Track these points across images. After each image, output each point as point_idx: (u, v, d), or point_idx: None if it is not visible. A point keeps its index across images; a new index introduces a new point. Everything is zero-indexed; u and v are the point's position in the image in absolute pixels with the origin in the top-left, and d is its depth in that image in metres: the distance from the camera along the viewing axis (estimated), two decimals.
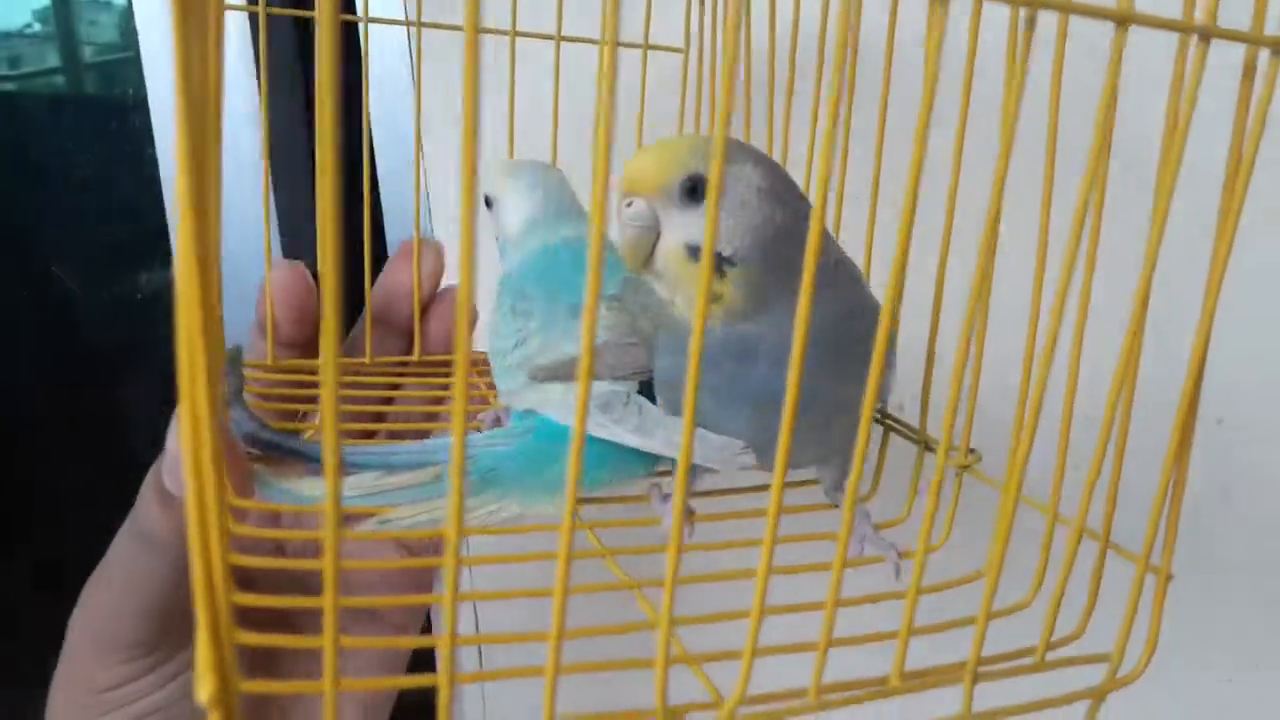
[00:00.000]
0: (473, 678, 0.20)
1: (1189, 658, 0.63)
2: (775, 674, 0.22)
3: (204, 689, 0.16)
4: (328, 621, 0.17)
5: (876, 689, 0.22)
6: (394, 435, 0.40)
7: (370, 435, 0.39)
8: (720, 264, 0.27)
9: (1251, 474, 0.59)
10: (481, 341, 0.40)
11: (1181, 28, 0.20)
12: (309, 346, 0.42)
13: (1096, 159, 0.20)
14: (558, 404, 0.32)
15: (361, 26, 0.41)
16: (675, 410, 0.31)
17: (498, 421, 0.38)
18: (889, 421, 0.37)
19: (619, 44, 0.44)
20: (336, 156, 0.14)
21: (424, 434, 0.39)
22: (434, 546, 0.39)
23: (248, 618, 0.20)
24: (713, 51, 0.47)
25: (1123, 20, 0.19)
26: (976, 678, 0.23)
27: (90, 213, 0.66)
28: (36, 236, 0.66)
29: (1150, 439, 0.25)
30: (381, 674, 0.39)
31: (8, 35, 0.65)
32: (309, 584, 0.36)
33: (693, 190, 0.27)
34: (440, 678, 0.17)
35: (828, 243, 0.30)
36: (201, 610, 0.16)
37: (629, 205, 0.28)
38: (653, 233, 0.28)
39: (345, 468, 0.31)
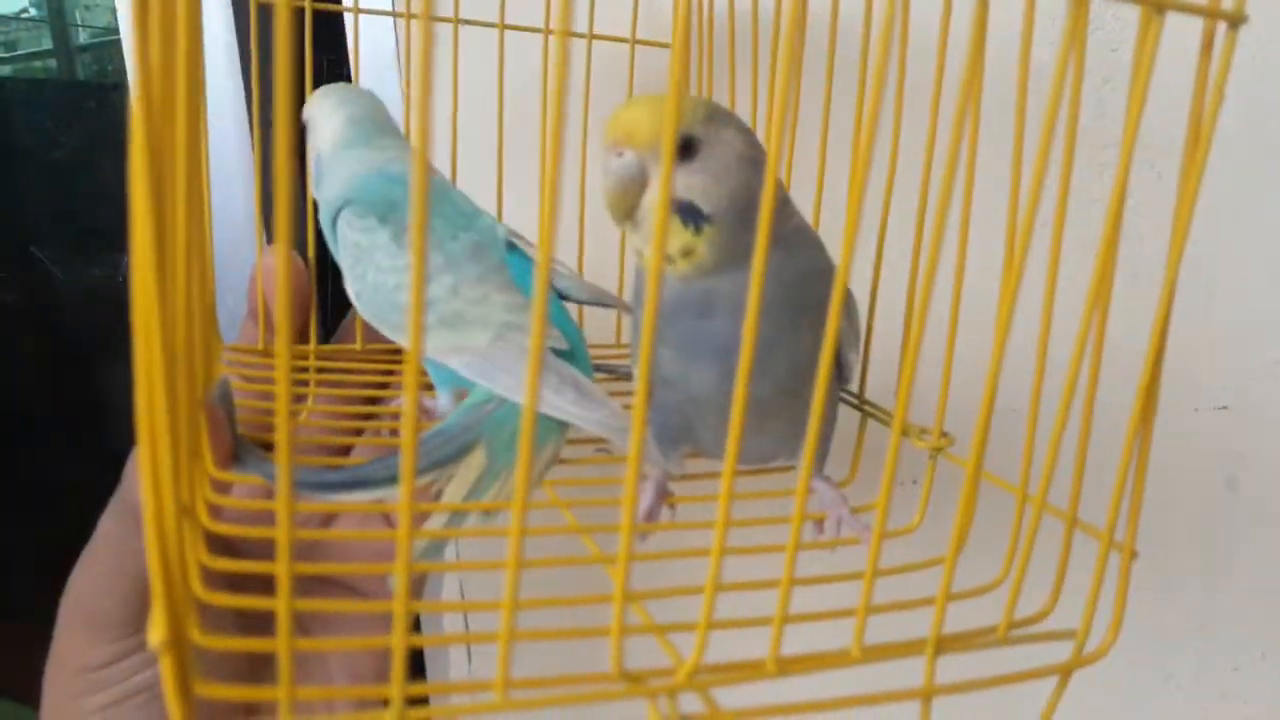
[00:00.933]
0: (430, 641, 0.20)
1: (1195, 645, 0.63)
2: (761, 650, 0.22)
3: (155, 634, 0.16)
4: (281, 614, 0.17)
5: (836, 659, 0.22)
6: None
7: (369, 419, 0.39)
8: (698, 221, 0.28)
9: (1257, 463, 0.59)
10: None
11: (1142, 1, 0.20)
12: (301, 331, 0.42)
13: (1047, 136, 0.20)
14: (478, 351, 0.32)
15: (349, 17, 0.42)
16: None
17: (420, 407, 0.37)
18: (866, 407, 0.37)
19: (605, 38, 0.45)
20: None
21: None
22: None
23: (244, 584, 0.20)
24: (700, 47, 0.47)
25: None
26: (939, 650, 0.23)
27: (74, 195, 0.67)
28: (18, 217, 0.67)
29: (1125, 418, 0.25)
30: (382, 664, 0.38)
31: (4, 19, 0.66)
32: (309, 554, 0.36)
33: (685, 148, 0.28)
34: (395, 640, 0.18)
35: (785, 206, 0.31)
36: (153, 561, 0.16)
37: (619, 155, 0.29)
38: (639, 185, 0.29)
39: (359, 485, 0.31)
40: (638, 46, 0.47)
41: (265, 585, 0.23)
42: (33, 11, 0.67)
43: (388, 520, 0.40)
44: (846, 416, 0.38)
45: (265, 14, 0.40)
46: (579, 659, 0.35)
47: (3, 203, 0.65)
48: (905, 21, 0.34)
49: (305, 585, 0.35)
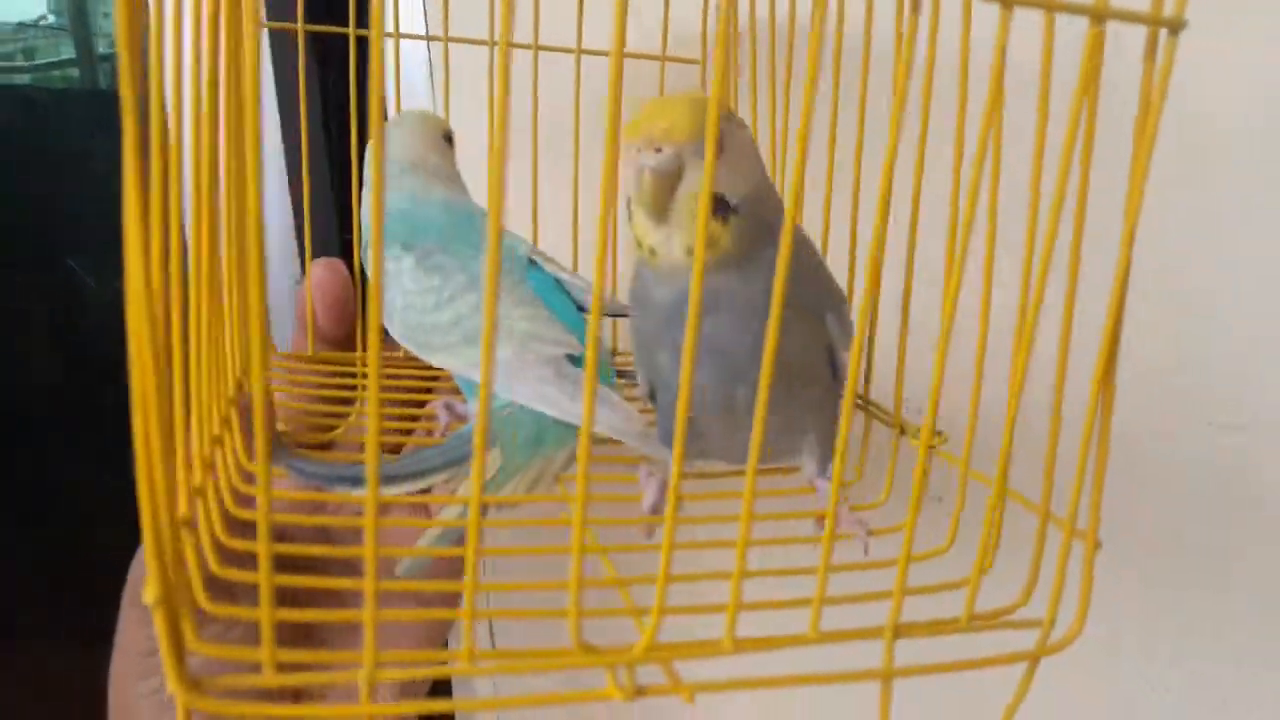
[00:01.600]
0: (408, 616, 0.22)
1: (1217, 655, 0.61)
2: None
3: (148, 594, 0.19)
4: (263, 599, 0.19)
5: (793, 640, 0.23)
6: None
7: (414, 420, 0.42)
8: (725, 211, 0.30)
9: (1275, 479, 0.57)
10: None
11: (1093, 12, 0.21)
12: (346, 342, 0.45)
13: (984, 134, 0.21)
14: (500, 363, 0.34)
15: (392, 42, 0.44)
16: (645, 368, 0.33)
17: (449, 408, 0.39)
18: (871, 408, 0.38)
19: (633, 55, 0.46)
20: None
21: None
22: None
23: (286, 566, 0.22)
24: (725, 63, 0.49)
25: (1008, 3, 0.20)
26: (897, 634, 0.23)
27: (107, 204, 0.69)
28: (52, 227, 0.68)
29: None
30: (422, 646, 0.40)
31: (22, 26, 0.67)
32: (340, 540, 0.38)
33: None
34: (366, 614, 0.19)
35: (772, 199, 0.32)
36: (146, 527, 0.19)
37: (658, 151, 0.30)
38: (676, 179, 0.30)
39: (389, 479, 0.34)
40: (656, 63, 0.49)
41: (304, 568, 0.25)
42: (51, 19, 0.68)
43: (426, 511, 0.42)
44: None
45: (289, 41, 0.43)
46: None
47: (38, 213, 0.67)
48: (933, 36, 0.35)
49: (341, 571, 0.38)
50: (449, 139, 0.44)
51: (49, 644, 0.70)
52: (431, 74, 0.49)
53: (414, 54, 0.53)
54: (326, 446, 0.40)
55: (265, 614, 0.21)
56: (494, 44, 0.46)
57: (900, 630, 0.24)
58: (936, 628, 0.25)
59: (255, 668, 0.21)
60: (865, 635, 0.24)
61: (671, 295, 0.31)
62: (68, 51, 0.68)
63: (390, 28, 0.45)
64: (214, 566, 0.25)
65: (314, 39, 0.43)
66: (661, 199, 0.30)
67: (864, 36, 0.38)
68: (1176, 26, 0.22)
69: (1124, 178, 0.23)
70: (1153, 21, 0.22)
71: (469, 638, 0.21)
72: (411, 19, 0.49)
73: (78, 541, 0.69)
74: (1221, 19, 0.42)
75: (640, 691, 0.22)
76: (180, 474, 0.22)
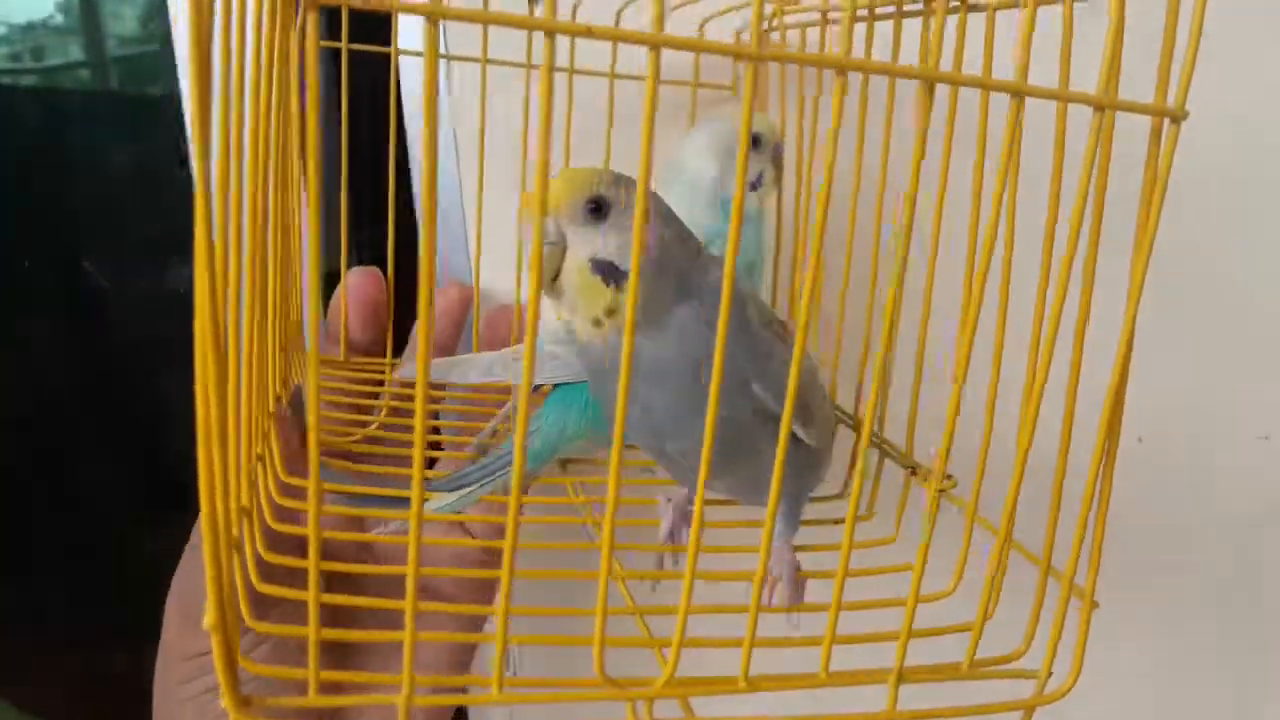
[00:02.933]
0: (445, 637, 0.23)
1: (1234, 668, 0.63)
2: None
3: (207, 619, 0.20)
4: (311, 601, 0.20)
5: (804, 680, 0.24)
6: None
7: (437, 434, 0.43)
8: (618, 278, 0.30)
9: None
10: None
11: (1098, 103, 0.23)
12: (374, 348, 0.46)
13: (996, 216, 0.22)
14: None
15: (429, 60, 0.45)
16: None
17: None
18: (884, 446, 0.39)
19: (668, 82, 0.47)
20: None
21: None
22: (498, 531, 0.42)
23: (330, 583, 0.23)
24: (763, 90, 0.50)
25: (1018, 93, 0.21)
26: (901, 679, 0.25)
27: (122, 207, 0.68)
28: (68, 230, 0.68)
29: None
30: (450, 664, 0.41)
31: (31, 26, 0.67)
32: (383, 557, 0.40)
33: (596, 209, 0.30)
34: (406, 635, 0.21)
35: (699, 258, 0.32)
36: (208, 554, 0.20)
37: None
38: (560, 249, 0.30)
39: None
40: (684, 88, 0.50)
41: (340, 584, 0.26)
42: (60, 19, 0.68)
43: (464, 529, 0.43)
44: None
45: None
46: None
47: (54, 216, 0.68)
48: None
49: (382, 588, 0.39)
50: None
51: (92, 645, 0.71)
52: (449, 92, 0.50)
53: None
54: (349, 453, 0.41)
55: (312, 632, 0.22)
56: (531, 66, 0.47)
57: (904, 675, 0.25)
58: (938, 673, 0.26)
59: (297, 686, 0.22)
60: (871, 679, 0.25)
61: (591, 364, 0.32)
62: (76, 52, 0.68)
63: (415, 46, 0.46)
64: (256, 583, 0.26)
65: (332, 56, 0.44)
66: (549, 272, 0.30)
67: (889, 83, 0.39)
68: (1178, 117, 0.23)
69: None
70: (1156, 112, 0.23)
71: (500, 664, 0.23)
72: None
73: (105, 539, 0.70)
74: None
75: None
76: (233, 497, 0.24)
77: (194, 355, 0.20)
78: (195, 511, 0.37)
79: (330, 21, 0.45)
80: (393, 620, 0.42)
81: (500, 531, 0.41)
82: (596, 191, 0.30)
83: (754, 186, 0.45)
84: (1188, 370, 0.57)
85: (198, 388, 0.21)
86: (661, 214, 0.32)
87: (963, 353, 0.27)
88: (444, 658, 0.40)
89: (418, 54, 0.47)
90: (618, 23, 0.47)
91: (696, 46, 0.20)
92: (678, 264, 0.31)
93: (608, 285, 0.30)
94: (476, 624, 0.41)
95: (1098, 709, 0.60)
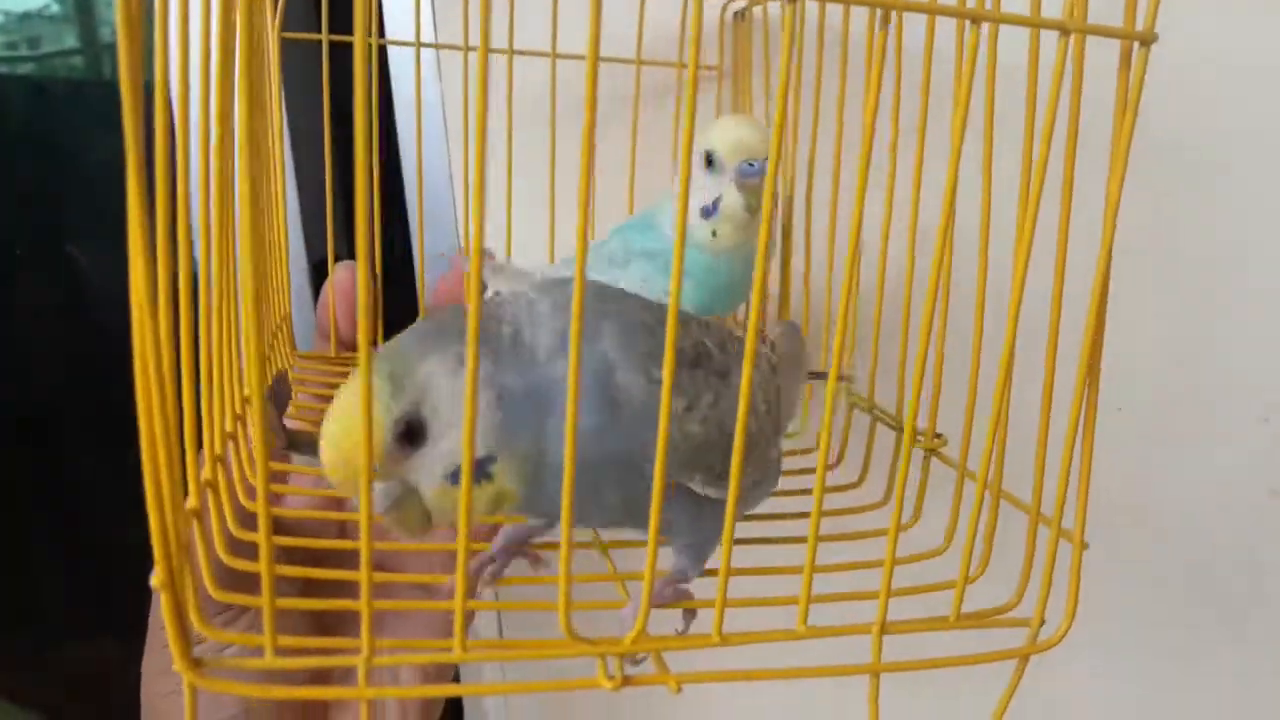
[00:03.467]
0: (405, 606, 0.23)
1: (1232, 654, 0.61)
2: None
3: (155, 579, 0.20)
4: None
5: (780, 634, 0.24)
6: None
7: None
8: (478, 477, 0.24)
9: None
10: None
11: (1064, 27, 0.22)
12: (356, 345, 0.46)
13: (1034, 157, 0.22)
14: None
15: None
16: None
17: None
18: (877, 413, 0.39)
19: (648, 62, 0.47)
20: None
21: None
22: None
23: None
24: (745, 68, 0.49)
25: (976, 19, 0.20)
26: (884, 630, 0.24)
27: (108, 194, 0.69)
28: (54, 217, 0.68)
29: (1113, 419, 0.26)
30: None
31: (27, 15, 0.67)
32: (352, 534, 0.39)
33: (410, 435, 0.24)
34: (362, 604, 0.20)
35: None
36: (151, 511, 0.20)
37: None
38: (403, 491, 0.25)
39: None
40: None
41: (322, 560, 0.26)
42: (55, 8, 0.67)
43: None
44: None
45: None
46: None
47: (40, 203, 0.67)
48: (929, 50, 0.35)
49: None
50: None
51: (83, 639, 0.72)
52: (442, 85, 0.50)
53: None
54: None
55: (267, 601, 0.22)
56: (515, 52, 0.47)
57: (888, 627, 0.24)
58: (924, 625, 0.25)
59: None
60: (852, 631, 0.25)
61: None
62: (71, 40, 0.68)
63: (411, 36, 0.46)
64: (224, 556, 0.26)
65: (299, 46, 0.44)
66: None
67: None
68: (1148, 40, 0.23)
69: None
70: (1125, 36, 0.23)
71: (460, 627, 0.22)
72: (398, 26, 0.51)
73: (96, 535, 0.70)
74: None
75: (628, 681, 0.23)
76: (190, 467, 0.23)
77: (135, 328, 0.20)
78: None
79: (311, 12, 0.45)
80: (379, 595, 0.42)
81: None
82: (396, 415, 0.24)
83: (706, 213, 0.39)
84: (1186, 350, 0.57)
85: (135, 337, 0.20)
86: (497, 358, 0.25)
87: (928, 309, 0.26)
88: (437, 629, 0.40)
89: (401, 44, 0.47)
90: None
91: None
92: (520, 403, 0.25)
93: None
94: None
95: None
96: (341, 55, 0.45)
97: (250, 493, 0.30)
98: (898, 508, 0.25)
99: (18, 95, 0.68)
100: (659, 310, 0.27)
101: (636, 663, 0.25)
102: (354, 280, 0.46)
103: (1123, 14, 0.23)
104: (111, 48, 0.68)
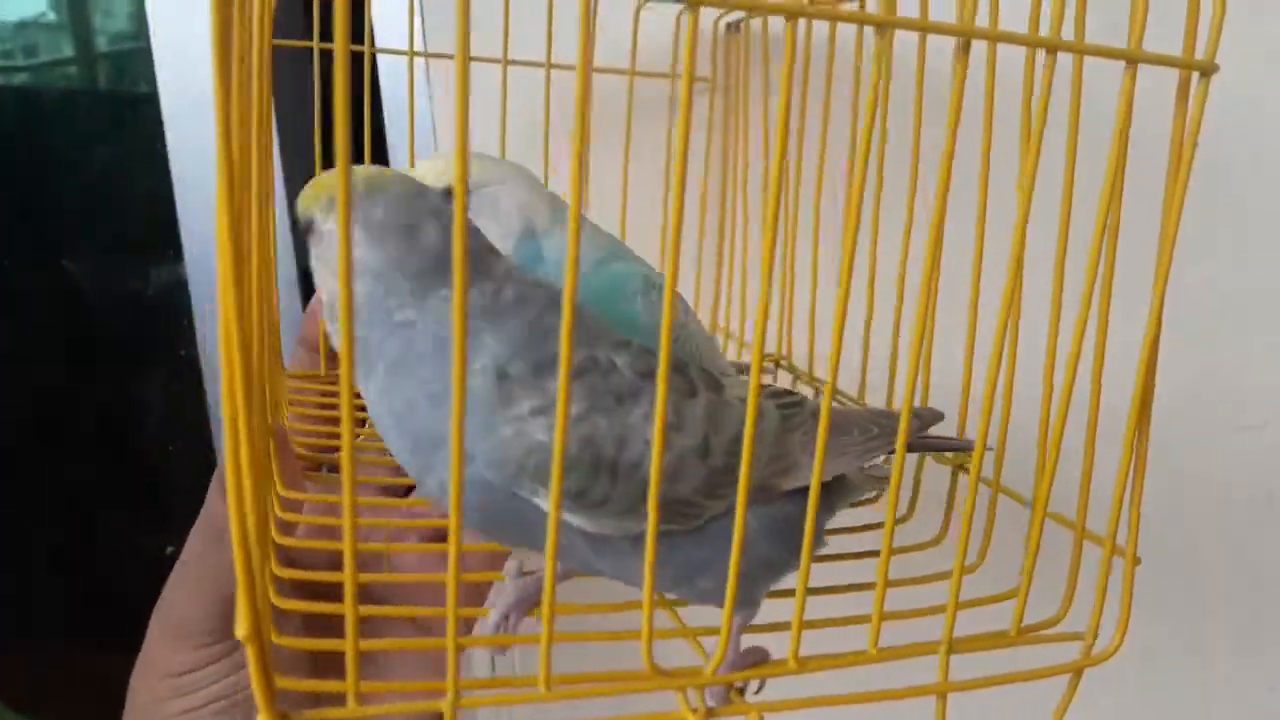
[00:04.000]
0: (478, 642, 0.22)
1: (1233, 662, 0.63)
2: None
3: (240, 629, 0.19)
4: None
5: (853, 658, 0.24)
6: None
7: None
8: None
9: None
10: None
11: (1121, 55, 0.22)
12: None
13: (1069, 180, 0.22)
14: None
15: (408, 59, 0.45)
16: None
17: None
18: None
19: (642, 73, 0.47)
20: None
21: None
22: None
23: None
24: (737, 80, 0.50)
25: (1051, 49, 0.21)
26: (951, 649, 0.24)
27: (101, 206, 0.68)
28: (49, 229, 0.68)
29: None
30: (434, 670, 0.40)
31: (23, 24, 0.67)
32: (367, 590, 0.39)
33: (307, 230, 0.27)
34: (449, 640, 0.20)
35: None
36: (239, 565, 0.19)
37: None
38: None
39: None
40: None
41: (327, 595, 0.26)
42: (51, 16, 0.68)
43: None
44: None
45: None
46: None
47: (35, 214, 0.67)
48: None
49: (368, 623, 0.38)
50: None
51: (84, 646, 0.70)
52: (430, 92, 0.50)
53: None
54: (334, 466, 0.40)
55: (350, 645, 0.21)
56: (508, 63, 0.46)
57: (955, 646, 0.25)
58: (988, 642, 0.26)
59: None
60: (922, 651, 0.25)
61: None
62: (68, 49, 0.68)
63: (405, 45, 0.46)
64: (274, 598, 0.25)
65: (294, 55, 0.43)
66: None
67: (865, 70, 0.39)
68: (1208, 70, 0.23)
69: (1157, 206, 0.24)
70: (1184, 65, 0.23)
71: (545, 662, 0.22)
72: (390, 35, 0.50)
73: (98, 541, 0.69)
74: None
75: (711, 713, 0.23)
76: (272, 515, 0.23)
77: (224, 375, 0.19)
78: (174, 510, 0.36)
79: (304, 19, 0.44)
80: (375, 628, 0.41)
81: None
82: (308, 211, 0.27)
83: None
84: (1182, 359, 0.58)
85: (225, 400, 0.20)
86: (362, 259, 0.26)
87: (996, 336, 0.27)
88: (429, 663, 0.40)
89: (394, 52, 0.47)
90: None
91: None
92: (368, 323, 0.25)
93: None
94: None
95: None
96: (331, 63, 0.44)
97: (281, 528, 0.30)
98: (963, 540, 0.25)
99: (12, 105, 0.67)
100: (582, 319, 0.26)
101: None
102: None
103: (1181, 42, 0.23)
104: (106, 57, 0.68)
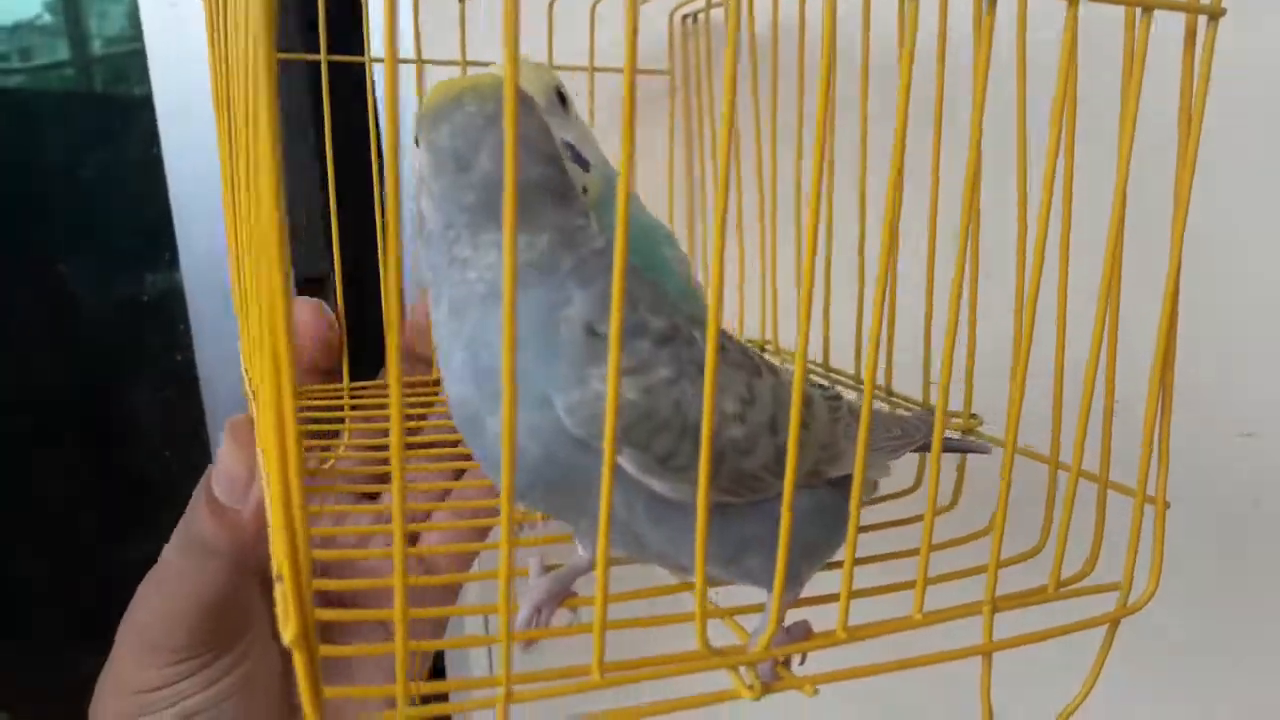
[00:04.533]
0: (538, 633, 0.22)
1: (1222, 669, 0.64)
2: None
3: (288, 631, 0.18)
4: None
5: (901, 624, 0.24)
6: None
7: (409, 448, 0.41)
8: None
9: None
10: None
11: (1144, 2, 0.22)
12: (332, 373, 0.44)
13: (1056, 126, 0.22)
14: None
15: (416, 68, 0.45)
16: None
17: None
18: (894, 399, 0.39)
19: (600, 69, 0.47)
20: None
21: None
22: (461, 562, 0.41)
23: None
24: (698, 73, 0.50)
25: None
26: (995, 608, 0.24)
27: (97, 210, 0.68)
28: (43, 234, 0.68)
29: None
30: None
31: (18, 26, 0.67)
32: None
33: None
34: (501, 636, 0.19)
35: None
36: (287, 567, 0.18)
37: None
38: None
39: None
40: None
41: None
42: (47, 18, 0.67)
43: (425, 564, 0.41)
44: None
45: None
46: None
47: (29, 219, 0.67)
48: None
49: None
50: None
51: (77, 651, 0.70)
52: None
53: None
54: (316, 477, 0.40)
55: (400, 647, 0.20)
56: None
57: (997, 604, 0.25)
58: (1028, 598, 0.26)
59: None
60: (966, 612, 0.25)
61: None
62: (63, 52, 0.67)
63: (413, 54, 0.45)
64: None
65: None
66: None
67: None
68: (1215, 14, 0.23)
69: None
70: (1191, 9, 0.23)
71: (599, 648, 0.21)
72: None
73: (82, 548, 0.69)
74: None
75: (768, 689, 0.23)
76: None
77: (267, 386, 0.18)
78: (168, 517, 0.35)
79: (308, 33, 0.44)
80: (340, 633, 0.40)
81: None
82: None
83: (580, 160, 0.35)
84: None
85: (262, 406, 0.19)
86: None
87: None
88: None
89: (398, 61, 0.46)
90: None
91: None
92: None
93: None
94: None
95: None
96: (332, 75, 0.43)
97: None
98: (1002, 504, 0.25)
99: (7, 107, 0.67)
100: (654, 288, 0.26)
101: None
102: (315, 320, 0.43)
103: None
104: (102, 60, 0.67)
